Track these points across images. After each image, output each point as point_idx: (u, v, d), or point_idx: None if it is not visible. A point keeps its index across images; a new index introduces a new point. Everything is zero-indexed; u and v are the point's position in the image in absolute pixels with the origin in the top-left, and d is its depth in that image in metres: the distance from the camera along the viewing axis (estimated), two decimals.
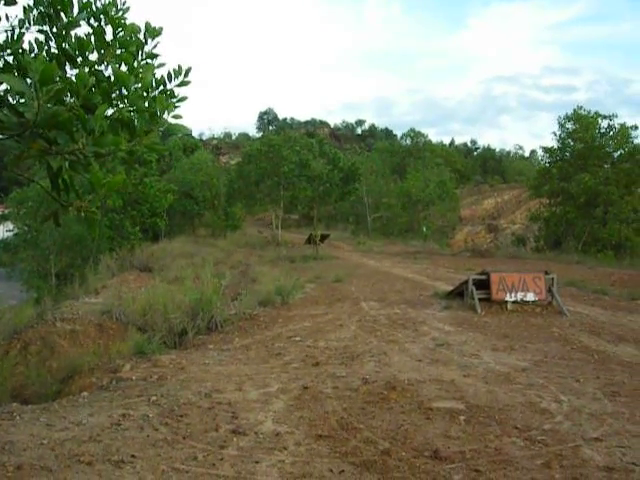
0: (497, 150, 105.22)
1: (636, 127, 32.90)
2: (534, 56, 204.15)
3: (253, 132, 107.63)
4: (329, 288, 17.03)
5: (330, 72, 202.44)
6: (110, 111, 3.63)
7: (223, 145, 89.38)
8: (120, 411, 6.09)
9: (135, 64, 3.80)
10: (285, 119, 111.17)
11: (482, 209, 71.39)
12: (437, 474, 4.59)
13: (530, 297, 13.10)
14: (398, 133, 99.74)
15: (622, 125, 32.72)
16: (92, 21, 3.90)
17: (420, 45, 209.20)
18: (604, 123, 33.41)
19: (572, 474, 4.61)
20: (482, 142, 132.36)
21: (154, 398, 6.56)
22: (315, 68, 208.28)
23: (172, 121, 3.77)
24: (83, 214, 3.74)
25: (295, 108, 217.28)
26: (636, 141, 32.61)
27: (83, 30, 3.85)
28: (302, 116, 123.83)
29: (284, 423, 5.79)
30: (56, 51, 3.87)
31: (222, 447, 5.14)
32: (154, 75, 3.78)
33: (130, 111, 3.71)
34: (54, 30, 3.89)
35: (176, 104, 3.79)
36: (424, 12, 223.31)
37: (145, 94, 3.75)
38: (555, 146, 34.50)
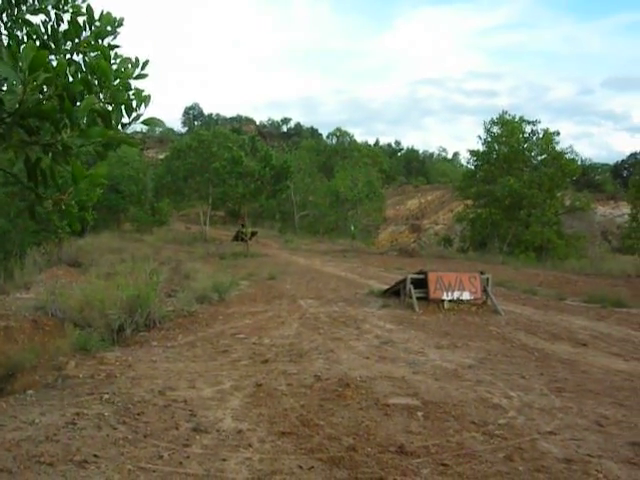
0: (421, 151, 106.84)
1: (558, 133, 34.03)
2: (459, 60, 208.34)
3: (178, 127, 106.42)
4: (264, 286, 17.02)
5: (257, 69, 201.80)
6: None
7: (148, 139, 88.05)
8: (73, 410, 5.94)
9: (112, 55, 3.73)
10: (211, 115, 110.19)
11: (406, 209, 72.40)
12: (406, 469, 4.65)
13: (466, 296, 13.40)
14: (324, 132, 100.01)
15: (546, 131, 33.76)
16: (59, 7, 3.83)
17: (347, 45, 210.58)
18: (528, 128, 34.46)
19: (534, 466, 4.75)
20: (406, 143, 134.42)
21: (106, 396, 6.42)
22: (242, 64, 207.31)
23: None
24: (63, 207, 3.66)
25: (221, 104, 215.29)
26: (558, 147, 33.70)
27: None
28: (228, 112, 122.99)
29: (244, 420, 5.75)
30: (25, 38, 3.77)
31: (186, 445, 5.07)
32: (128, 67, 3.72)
33: (108, 103, 3.62)
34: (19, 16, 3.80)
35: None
36: (352, 12, 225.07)
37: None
38: (481, 149, 35.32)
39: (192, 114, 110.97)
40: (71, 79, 3.57)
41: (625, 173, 76.17)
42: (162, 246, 29.58)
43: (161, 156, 57.08)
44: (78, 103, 3.42)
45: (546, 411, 6.24)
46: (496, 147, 34.56)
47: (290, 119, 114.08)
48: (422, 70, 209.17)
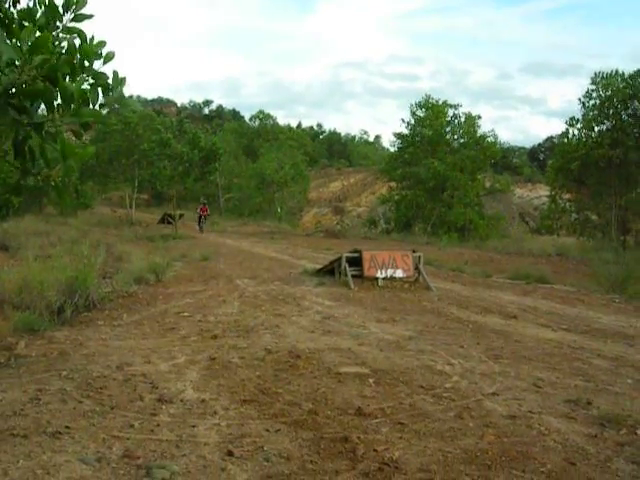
0: (343, 134, 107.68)
1: (480, 117, 35.13)
2: (381, 44, 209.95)
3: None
4: (198, 266, 17.16)
5: (178, 49, 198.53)
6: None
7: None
8: (34, 386, 6.04)
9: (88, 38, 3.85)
10: (131, 96, 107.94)
11: (329, 192, 73.07)
12: (366, 428, 4.99)
13: (399, 274, 13.89)
14: (246, 115, 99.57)
15: (468, 114, 34.78)
16: None
17: (270, 27, 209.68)
18: (450, 112, 35.42)
19: (483, 422, 5.17)
20: (328, 126, 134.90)
21: (64, 373, 6.53)
22: (162, 45, 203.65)
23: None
24: (53, 183, 3.82)
25: (141, 86, 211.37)
26: (480, 130, 34.79)
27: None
28: (149, 94, 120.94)
29: (205, 391, 5.98)
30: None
31: (154, 415, 5.27)
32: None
33: (91, 84, 3.77)
34: None
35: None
36: None
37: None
38: (406, 132, 36.06)
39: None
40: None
41: (541, 156, 78.67)
42: (89, 229, 29.15)
43: (84, 138, 55.83)
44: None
45: (487, 375, 6.71)
46: (421, 130, 35.34)
47: (212, 101, 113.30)
48: (344, 53, 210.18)
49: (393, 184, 38.06)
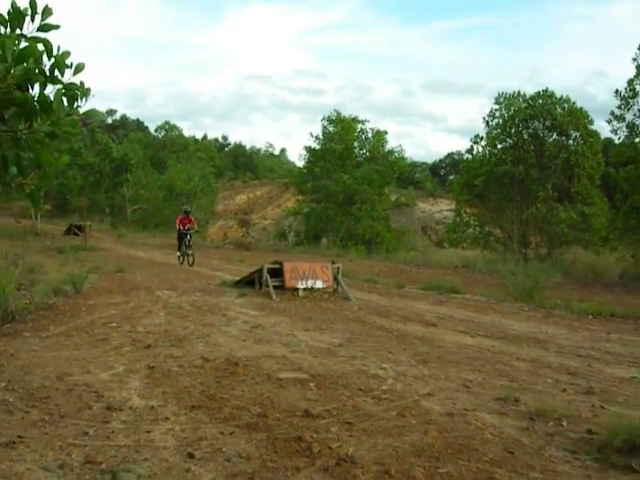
0: (248, 147, 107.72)
1: (386, 132, 36.08)
2: (287, 58, 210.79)
3: None
4: (115, 278, 16.99)
5: (80, 57, 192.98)
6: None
7: None
8: None
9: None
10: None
11: (235, 204, 72.90)
12: (317, 427, 5.24)
13: (319, 284, 14.24)
14: (151, 125, 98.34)
15: (376, 130, 35.70)
16: None
17: (177, 37, 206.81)
18: (358, 127, 36.24)
19: (424, 419, 5.51)
20: (233, 138, 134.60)
21: (3, 384, 6.49)
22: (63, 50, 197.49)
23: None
24: (27, 191, 3.90)
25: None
26: (387, 145, 35.77)
27: None
28: None
29: (151, 398, 6.08)
30: None
31: (106, 422, 5.34)
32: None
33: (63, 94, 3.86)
34: None
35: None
36: (183, 3, 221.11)
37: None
38: (316, 146, 36.61)
39: None
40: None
41: (442, 172, 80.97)
42: None
43: None
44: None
45: (419, 378, 7.09)
46: (331, 145, 35.95)
47: (116, 111, 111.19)
48: (251, 66, 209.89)
49: (301, 197, 38.54)
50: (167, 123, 77.09)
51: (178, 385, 6.58)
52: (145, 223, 48.39)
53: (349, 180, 33.30)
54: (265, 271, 14.08)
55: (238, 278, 16.04)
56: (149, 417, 5.51)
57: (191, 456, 4.59)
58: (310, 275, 14.19)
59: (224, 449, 4.74)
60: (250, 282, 14.81)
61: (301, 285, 14.03)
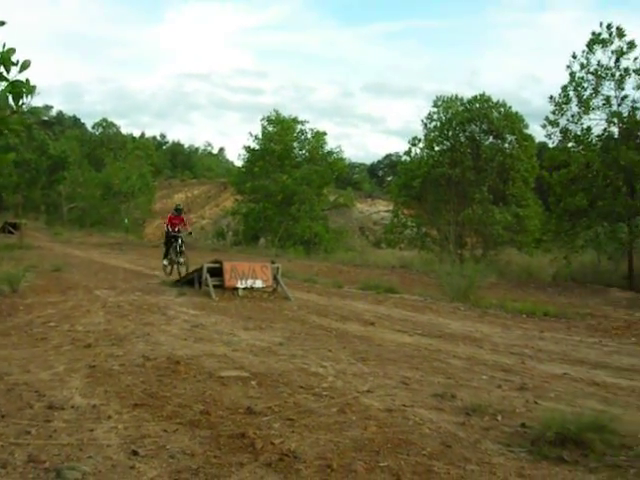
0: (186, 145, 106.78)
1: (325, 133, 36.35)
2: (227, 57, 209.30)
3: None
4: (52, 277, 16.76)
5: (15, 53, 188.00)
6: None
7: None
8: None
9: None
10: None
11: (173, 203, 72.17)
12: (259, 424, 5.32)
13: (259, 284, 14.31)
14: (88, 122, 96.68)
15: (316, 131, 35.91)
16: None
17: (115, 34, 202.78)
18: (297, 128, 36.40)
19: (364, 415, 5.65)
20: (172, 137, 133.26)
21: None
22: None
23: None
24: None
25: None
26: (326, 146, 36.01)
27: None
28: None
29: (93, 397, 6.07)
30: None
31: (47, 421, 5.32)
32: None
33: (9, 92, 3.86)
34: None
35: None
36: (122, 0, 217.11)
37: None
38: (255, 146, 36.61)
39: None
40: None
41: (380, 173, 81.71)
42: None
43: None
44: None
45: (358, 375, 7.24)
46: (270, 145, 35.99)
47: (52, 107, 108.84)
48: (190, 64, 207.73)
49: (239, 197, 38.51)
50: (104, 120, 75.82)
51: (120, 384, 6.58)
52: (82, 222, 47.52)
53: (288, 180, 33.44)
54: (205, 270, 14.08)
55: (177, 277, 16.00)
56: (91, 416, 5.51)
57: (135, 453, 4.62)
58: (250, 275, 14.25)
59: (168, 446, 4.78)
60: (190, 281, 14.77)
61: (241, 284, 14.08)
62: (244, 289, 14.11)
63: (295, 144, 36.78)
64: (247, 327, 10.39)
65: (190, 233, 18.85)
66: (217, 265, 14.36)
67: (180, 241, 17.39)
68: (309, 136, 36.86)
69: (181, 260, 17.25)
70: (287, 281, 16.92)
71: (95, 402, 5.90)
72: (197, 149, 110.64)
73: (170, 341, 8.95)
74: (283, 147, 35.12)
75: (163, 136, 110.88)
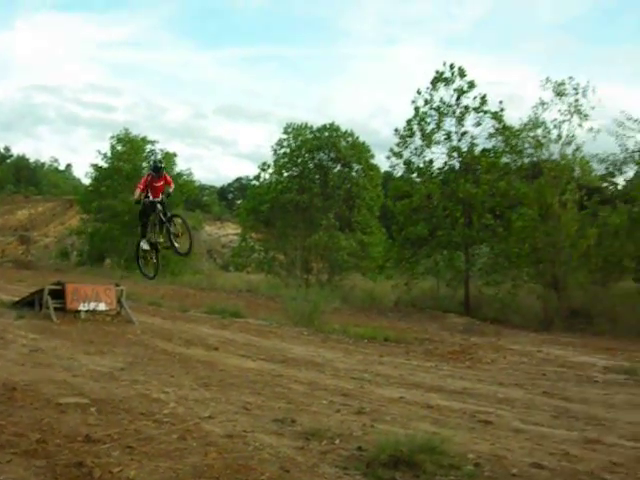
0: (32, 160, 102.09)
1: (175, 154, 36.15)
2: (79, 71, 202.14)
3: None
4: None
5: None
6: None
7: None
8: None
9: None
10: None
11: (15, 219, 68.82)
12: (98, 452, 5.27)
13: (102, 307, 14.01)
14: None
15: (166, 152, 35.64)
16: None
17: None
18: (148, 147, 35.96)
19: (204, 442, 5.73)
20: (17, 150, 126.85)
21: None
22: None
23: None
24: None
25: None
26: (177, 168, 35.71)
27: None
28: None
29: None
30: None
31: None
32: None
33: None
34: None
35: None
36: None
37: None
38: (104, 165, 35.69)
39: None
40: None
41: (230, 196, 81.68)
42: None
43: None
44: None
45: (200, 401, 7.31)
46: (119, 163, 35.20)
47: None
48: (40, 76, 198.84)
49: (85, 216, 37.35)
50: None
51: None
52: None
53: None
54: (46, 292, 13.60)
55: (17, 299, 15.32)
56: None
57: None
58: (93, 297, 13.91)
59: (1, 477, 4.66)
60: (30, 303, 14.18)
61: (83, 307, 13.70)
62: (86, 312, 13.73)
63: (144, 164, 36.15)
64: (88, 351, 10.16)
65: (169, 195, 11.64)
66: (59, 287, 13.91)
67: (162, 208, 11.02)
68: (159, 156, 36.38)
69: (172, 229, 10.65)
70: (132, 304, 16.61)
71: None
72: (43, 164, 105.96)
73: (6, 366, 8.61)
74: (132, 167, 34.43)
75: (7, 149, 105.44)
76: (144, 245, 11.15)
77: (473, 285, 23.51)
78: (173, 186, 11.83)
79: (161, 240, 10.73)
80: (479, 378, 10.15)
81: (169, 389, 7.85)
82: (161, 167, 11.72)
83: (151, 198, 10.92)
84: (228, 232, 63.13)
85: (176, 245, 10.58)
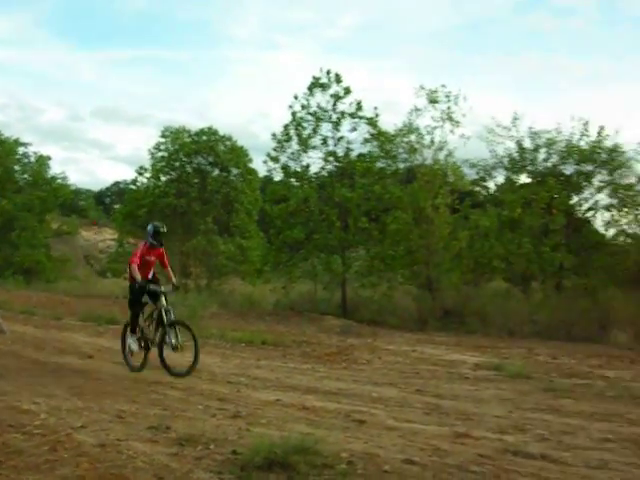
0: None
1: (50, 158, 35.01)
2: None
3: None
4: None
5: None
6: None
7: None
8: None
9: None
10: None
11: None
12: None
13: None
14: None
15: (39, 154, 34.48)
16: None
17: None
18: (20, 150, 34.68)
19: (76, 452, 5.62)
20: None
21: None
22: None
23: None
24: None
25: None
26: (51, 171, 34.68)
27: None
28: None
29: None
30: None
31: None
32: None
33: None
34: None
35: None
36: None
37: None
38: None
39: None
40: None
41: (108, 200, 79.68)
42: None
43: None
44: None
45: (73, 411, 7.18)
46: None
47: None
48: None
49: None
50: None
51: None
52: None
53: (8, 205, 31.63)
54: None
55: None
56: None
57: None
58: None
59: None
60: None
61: None
62: None
63: (17, 167, 34.86)
64: None
65: (177, 288, 10.86)
66: None
67: (164, 301, 9.84)
68: (32, 159, 35.15)
69: (172, 340, 9.60)
70: (4, 313, 16.05)
71: None
72: None
73: None
74: (3, 170, 33.14)
75: None
76: (132, 345, 10.13)
77: (350, 288, 23.89)
78: (173, 277, 10.57)
79: (167, 339, 9.57)
80: (355, 378, 10.38)
81: (40, 400, 7.66)
82: (161, 233, 10.39)
83: (152, 286, 9.93)
84: (105, 237, 61.60)
85: (168, 363, 9.57)
